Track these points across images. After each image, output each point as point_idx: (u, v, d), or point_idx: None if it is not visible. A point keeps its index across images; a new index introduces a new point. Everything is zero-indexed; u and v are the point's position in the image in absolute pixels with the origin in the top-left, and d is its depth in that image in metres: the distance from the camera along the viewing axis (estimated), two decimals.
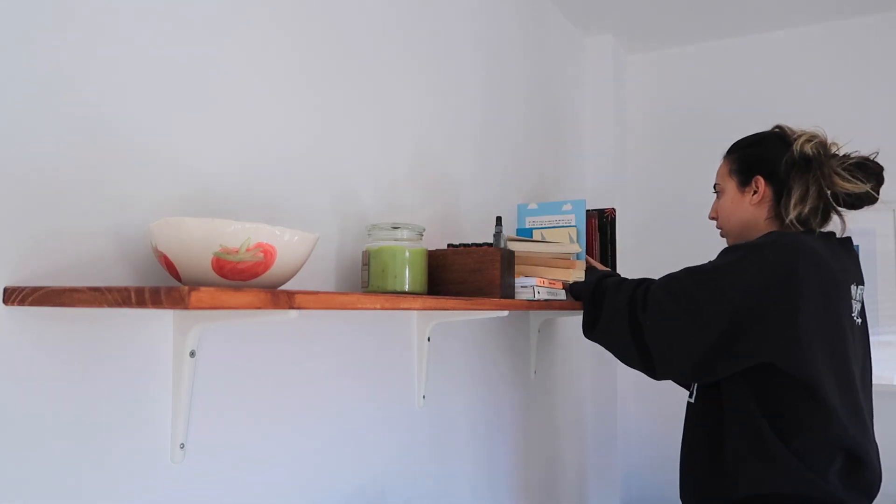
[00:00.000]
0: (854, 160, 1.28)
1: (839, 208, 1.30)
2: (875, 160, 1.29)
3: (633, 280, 1.38)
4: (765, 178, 1.33)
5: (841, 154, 1.30)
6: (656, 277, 1.35)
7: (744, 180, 1.36)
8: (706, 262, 1.29)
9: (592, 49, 2.56)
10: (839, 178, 1.26)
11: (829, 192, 1.27)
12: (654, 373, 1.29)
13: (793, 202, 1.28)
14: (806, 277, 1.16)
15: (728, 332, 1.18)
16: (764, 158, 1.34)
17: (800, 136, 1.31)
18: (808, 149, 1.28)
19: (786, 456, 1.16)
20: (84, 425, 0.86)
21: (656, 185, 2.66)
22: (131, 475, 0.91)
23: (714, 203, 1.44)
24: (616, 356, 1.36)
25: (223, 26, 1.08)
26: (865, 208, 1.31)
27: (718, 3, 2.28)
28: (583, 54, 2.55)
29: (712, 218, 1.45)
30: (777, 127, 1.37)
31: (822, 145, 1.29)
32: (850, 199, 1.29)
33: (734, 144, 1.43)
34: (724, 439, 1.23)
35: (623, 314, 1.31)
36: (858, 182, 1.26)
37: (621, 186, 2.60)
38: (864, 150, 1.31)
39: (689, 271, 1.28)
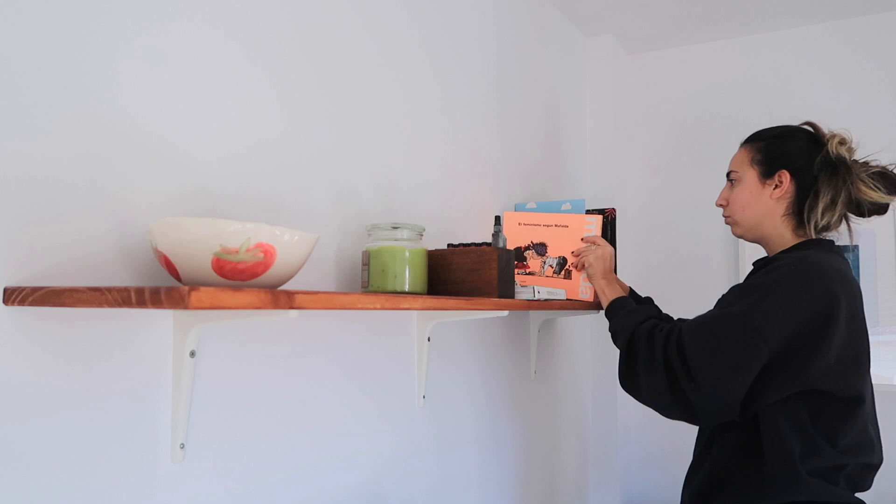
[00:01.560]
0: (875, 169, 1.27)
1: (851, 216, 1.29)
2: (894, 171, 1.28)
3: (661, 331, 1.26)
4: (790, 174, 1.29)
5: (861, 160, 1.28)
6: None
7: (767, 172, 1.31)
8: (732, 290, 1.25)
9: (593, 49, 2.56)
10: (864, 185, 1.24)
11: (855, 200, 1.26)
12: (699, 423, 1.23)
13: (821, 207, 1.25)
14: (843, 307, 1.16)
15: (767, 368, 1.15)
16: (791, 153, 1.30)
17: (832, 136, 1.28)
18: (844, 152, 1.26)
19: (799, 470, 1.14)
20: (84, 425, 0.86)
21: (656, 184, 2.66)
22: (131, 475, 0.91)
23: (724, 191, 1.39)
24: (656, 409, 1.28)
25: (224, 26, 1.08)
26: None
27: (719, 3, 2.28)
28: (583, 54, 2.55)
29: (720, 205, 1.40)
30: (808, 123, 1.33)
31: (853, 151, 1.27)
32: (870, 209, 1.27)
33: (758, 133, 1.37)
34: (738, 452, 1.22)
35: (661, 374, 1.22)
36: (881, 192, 1.24)
37: (621, 186, 2.60)
38: (871, 154, 1.30)
39: (719, 317, 1.20)
